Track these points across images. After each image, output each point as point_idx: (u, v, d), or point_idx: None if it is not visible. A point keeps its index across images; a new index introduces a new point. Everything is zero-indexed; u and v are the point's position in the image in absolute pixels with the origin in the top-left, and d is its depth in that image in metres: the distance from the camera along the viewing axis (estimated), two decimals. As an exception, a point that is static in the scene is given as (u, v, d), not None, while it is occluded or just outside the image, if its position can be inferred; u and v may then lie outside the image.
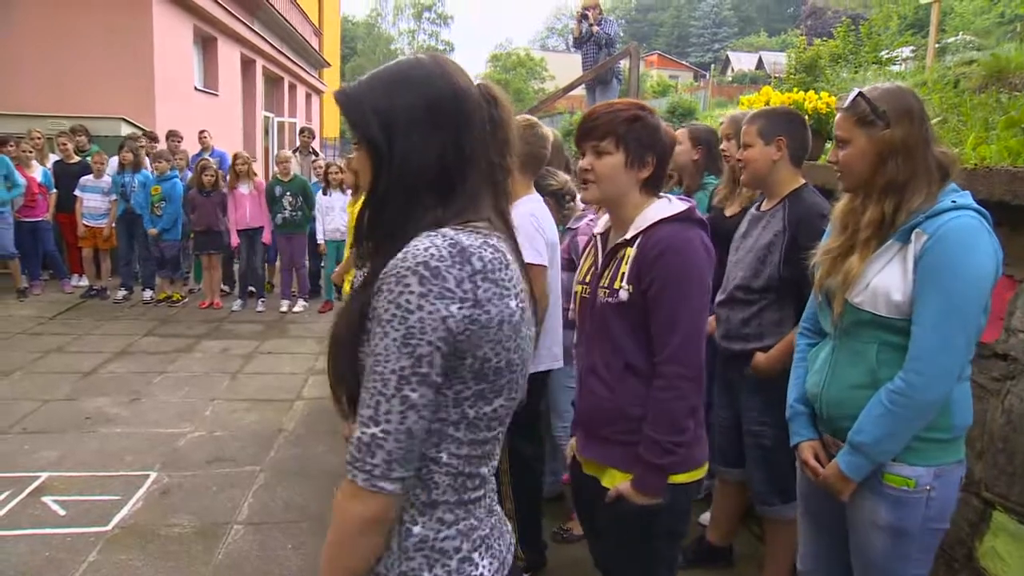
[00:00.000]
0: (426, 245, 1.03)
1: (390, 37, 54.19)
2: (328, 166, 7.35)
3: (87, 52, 9.88)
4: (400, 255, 1.03)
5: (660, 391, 1.69)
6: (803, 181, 2.34)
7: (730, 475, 2.70)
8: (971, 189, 1.75)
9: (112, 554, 3.15)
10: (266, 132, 17.11)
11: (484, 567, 1.12)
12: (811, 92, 3.38)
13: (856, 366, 1.73)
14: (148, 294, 7.96)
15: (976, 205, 1.62)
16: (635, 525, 1.76)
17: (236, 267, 8.40)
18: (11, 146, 7.89)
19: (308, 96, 22.63)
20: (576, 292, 1.88)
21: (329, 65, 24.87)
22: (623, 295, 1.69)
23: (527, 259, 1.29)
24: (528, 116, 2.84)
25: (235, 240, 7.61)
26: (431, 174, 1.10)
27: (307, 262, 7.96)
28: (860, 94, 1.69)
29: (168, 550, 3.19)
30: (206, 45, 12.98)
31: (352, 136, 1.17)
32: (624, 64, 8.38)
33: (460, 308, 1.02)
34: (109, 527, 3.37)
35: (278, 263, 8.36)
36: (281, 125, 18.10)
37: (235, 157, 7.53)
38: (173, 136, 8.97)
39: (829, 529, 1.89)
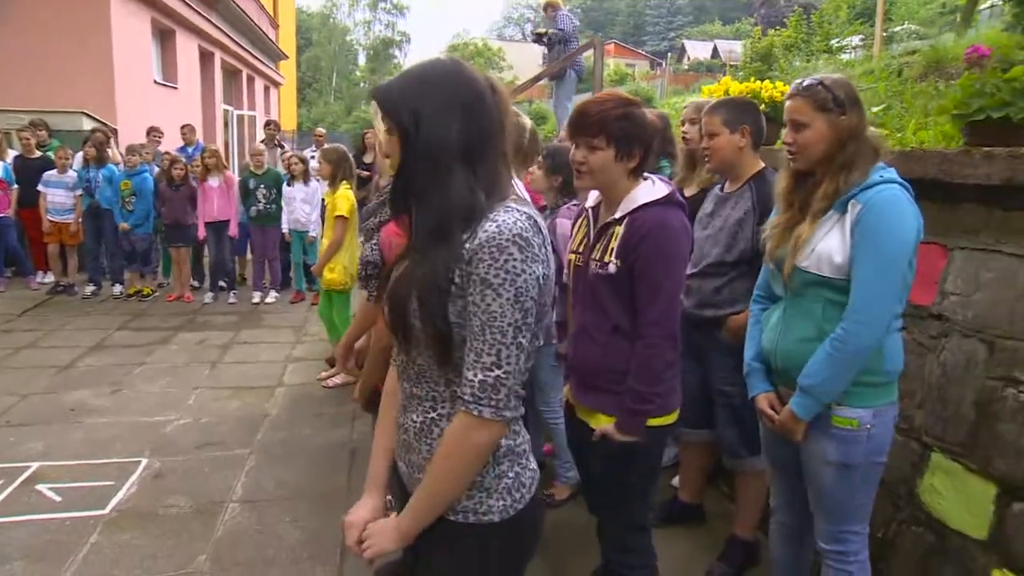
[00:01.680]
0: (514, 219, 1.26)
1: (346, 28, 53.53)
2: (289, 157, 7.40)
3: (45, 45, 9.70)
4: (494, 228, 1.25)
5: (643, 349, 1.93)
6: (763, 164, 2.58)
7: (696, 435, 2.93)
8: (909, 169, 2.00)
9: (113, 535, 3.25)
10: (225, 125, 16.92)
11: (533, 464, 1.44)
12: (767, 82, 3.62)
13: (805, 322, 1.98)
14: (118, 289, 7.95)
15: (900, 179, 1.87)
16: (618, 460, 2.02)
17: (205, 260, 8.41)
18: (-30, 142, 7.79)
19: (267, 88, 22.39)
20: (570, 260, 2.10)
21: (287, 57, 24.61)
22: (612, 268, 1.92)
23: None
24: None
25: (202, 233, 7.63)
26: (454, 150, 1.30)
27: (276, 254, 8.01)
28: (821, 82, 1.91)
29: (168, 529, 3.30)
30: (164, 38, 12.81)
31: (386, 124, 1.35)
32: (587, 56, 8.60)
33: (542, 267, 1.28)
34: (107, 510, 3.46)
35: (249, 255, 8.40)
36: (240, 118, 17.90)
37: (205, 150, 7.54)
38: (154, 132, 8.93)
39: (788, 471, 2.14)
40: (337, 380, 5.12)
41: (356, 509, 1.50)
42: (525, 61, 40.61)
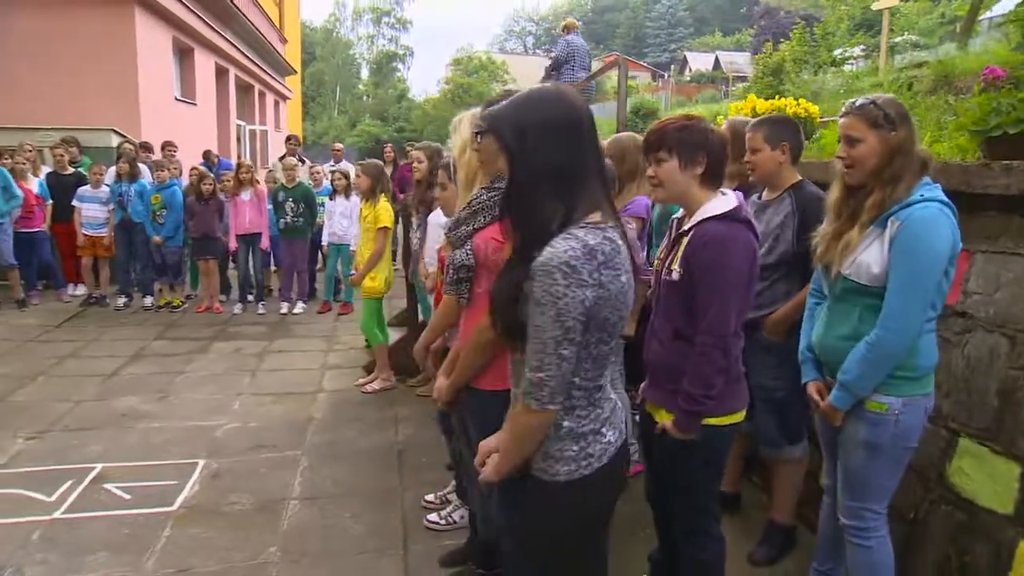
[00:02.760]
0: (565, 248, 1.49)
1: (349, 42, 54.03)
2: (332, 173, 7.66)
3: (74, 64, 10.01)
4: (548, 254, 1.49)
5: (696, 355, 2.13)
6: (800, 177, 2.81)
7: (738, 428, 3.15)
8: (933, 180, 2.21)
9: (184, 529, 3.46)
10: (238, 140, 17.22)
11: (609, 436, 1.69)
12: (791, 99, 3.86)
13: (844, 322, 2.22)
14: (148, 300, 8.17)
15: (942, 197, 2.09)
16: (677, 453, 2.23)
17: (232, 273, 8.65)
18: (6, 159, 8.04)
19: (276, 103, 22.72)
20: (655, 267, 2.33)
21: (295, 72, 24.96)
22: (675, 275, 2.14)
23: None
24: None
25: (233, 245, 7.88)
26: (550, 171, 1.55)
27: (305, 266, 8.24)
28: (873, 102, 2.13)
29: (235, 524, 3.51)
30: (183, 55, 13.12)
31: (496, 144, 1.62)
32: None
33: (591, 291, 1.50)
34: (175, 507, 3.68)
35: (272, 267, 8.65)
36: (252, 133, 18.22)
37: (239, 165, 7.80)
38: (169, 146, 9.20)
39: (834, 450, 2.37)
40: (376, 386, 5.34)
41: (492, 440, 1.79)
42: (528, 74, 41.07)
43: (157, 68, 11.35)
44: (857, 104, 2.16)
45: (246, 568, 3.12)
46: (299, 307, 8.07)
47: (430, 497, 3.61)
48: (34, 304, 8.13)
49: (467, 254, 2.10)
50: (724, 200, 2.14)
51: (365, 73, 55.22)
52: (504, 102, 1.63)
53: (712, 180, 2.17)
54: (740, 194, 2.18)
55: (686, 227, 2.17)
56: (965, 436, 2.48)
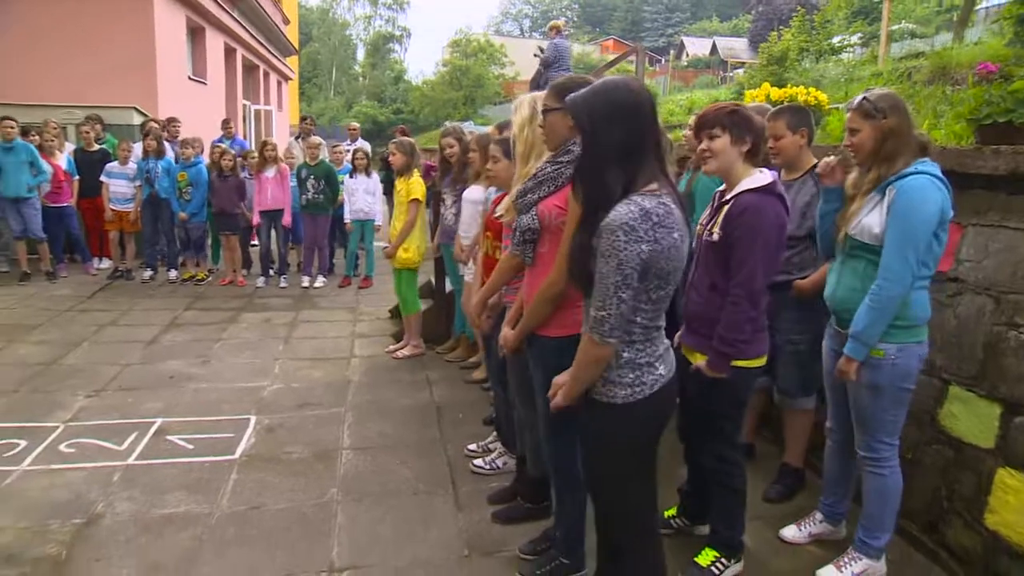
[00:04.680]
0: (625, 211, 1.87)
1: (345, 23, 53.86)
2: (355, 152, 7.97)
3: (94, 43, 10.24)
4: (612, 216, 1.87)
5: (729, 305, 2.52)
6: (815, 159, 3.18)
7: (758, 382, 3.52)
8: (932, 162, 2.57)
9: (249, 474, 3.82)
10: (244, 119, 17.42)
11: (661, 370, 2.08)
12: (800, 88, 4.21)
13: (853, 276, 2.61)
14: (173, 274, 8.48)
15: (935, 171, 2.46)
16: (709, 391, 2.62)
17: (252, 248, 8.97)
18: (34, 135, 8.30)
19: (279, 84, 22.87)
20: (697, 231, 2.69)
21: (297, 52, 25.06)
22: (715, 237, 2.53)
23: None
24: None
25: (256, 220, 8.19)
26: (616, 148, 1.92)
27: (326, 241, 8.57)
28: (865, 98, 2.51)
29: (295, 470, 3.87)
30: (195, 35, 13.32)
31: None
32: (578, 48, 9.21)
33: (647, 246, 1.87)
34: (236, 456, 4.03)
35: (290, 243, 8.96)
36: (257, 113, 18.40)
37: (264, 143, 8.08)
38: (172, 122, 9.44)
39: (839, 398, 2.79)
40: (406, 352, 5.70)
41: (562, 375, 2.17)
42: (525, 58, 41.10)
43: (172, 47, 11.58)
44: (854, 102, 2.56)
45: (313, 506, 3.48)
46: (320, 281, 8.40)
47: (472, 447, 3.99)
48: (63, 277, 8.43)
49: (533, 219, 2.45)
50: (761, 176, 2.51)
51: (361, 54, 55.10)
52: (582, 90, 1.98)
53: (753, 158, 2.55)
54: (775, 172, 2.56)
55: (727, 197, 2.54)
56: (955, 384, 2.87)
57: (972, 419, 2.77)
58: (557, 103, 2.37)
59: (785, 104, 3.47)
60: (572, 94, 1.99)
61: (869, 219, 2.51)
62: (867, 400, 2.60)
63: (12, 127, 7.79)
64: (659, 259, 1.89)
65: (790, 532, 3.05)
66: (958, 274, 2.93)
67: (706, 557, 2.78)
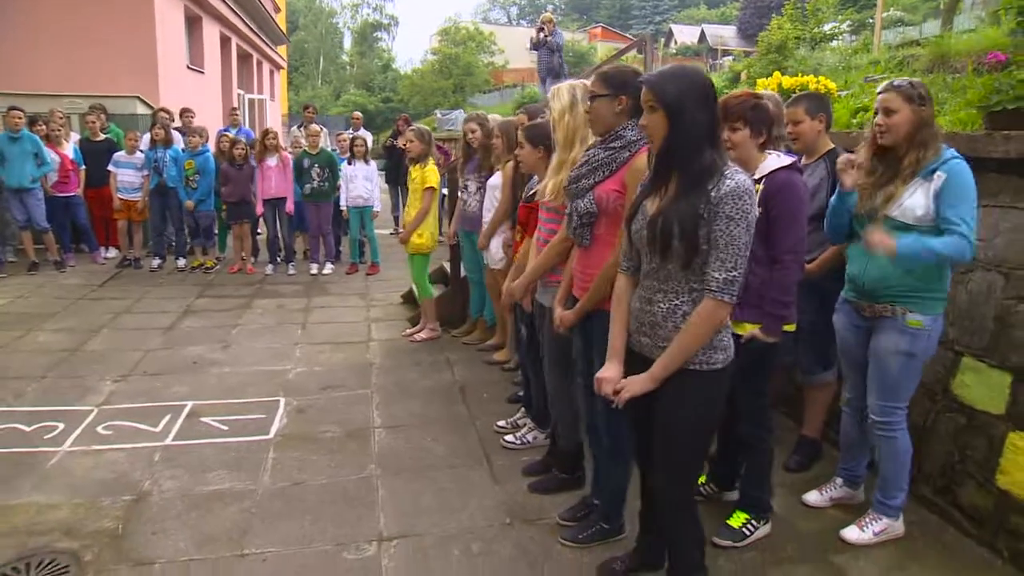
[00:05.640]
0: (744, 178, 2.03)
1: (332, 11, 53.49)
2: (354, 139, 8.07)
3: (96, 33, 10.25)
4: (734, 184, 2.00)
5: (779, 270, 2.71)
6: (831, 144, 3.35)
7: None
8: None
9: (286, 452, 3.94)
10: (235, 109, 17.38)
11: (731, 330, 2.21)
12: (810, 76, 4.38)
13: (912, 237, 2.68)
14: (182, 262, 8.56)
15: (961, 157, 2.64)
16: (762, 359, 2.80)
17: (260, 236, 9.06)
18: (40, 125, 8.33)
19: (271, 73, 22.80)
20: None
21: (288, 41, 24.96)
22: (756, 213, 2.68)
23: None
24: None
25: (260, 209, 8.28)
26: (703, 127, 2.06)
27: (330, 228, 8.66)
28: (910, 83, 2.68)
29: (331, 448, 4.00)
30: (192, 24, 13.29)
31: (649, 104, 2.10)
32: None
33: (757, 207, 2.03)
34: (271, 436, 4.15)
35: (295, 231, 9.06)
36: (251, 102, 18.37)
37: (265, 132, 8.16)
38: (186, 113, 9.48)
39: (858, 367, 2.98)
40: (423, 335, 5.85)
41: (606, 370, 2.27)
42: (513, 45, 41.07)
43: (171, 36, 11.58)
44: (895, 83, 2.71)
45: (353, 481, 3.62)
46: (328, 268, 8.52)
47: (501, 423, 4.15)
48: (71, 266, 8.49)
49: (590, 203, 2.59)
50: (782, 158, 2.74)
51: (349, 43, 54.76)
52: (654, 73, 2.13)
53: (767, 145, 2.78)
54: (792, 154, 2.76)
55: (757, 176, 2.72)
56: (967, 355, 3.06)
57: (983, 388, 2.96)
58: (605, 90, 2.51)
59: (802, 92, 3.64)
60: (648, 77, 2.13)
61: (912, 201, 2.66)
62: (900, 366, 2.77)
63: (20, 117, 7.82)
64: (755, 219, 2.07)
65: (813, 497, 3.24)
66: (970, 253, 3.12)
67: (737, 519, 2.96)
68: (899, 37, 9.77)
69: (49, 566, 2.88)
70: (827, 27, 14.57)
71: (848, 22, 19.33)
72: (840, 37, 15.81)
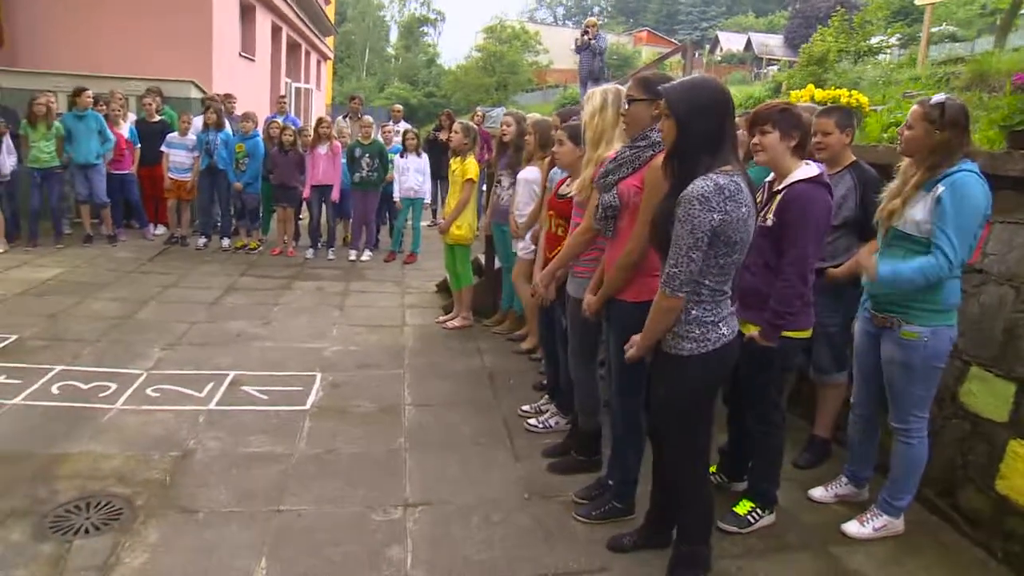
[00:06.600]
0: (702, 185, 2.21)
1: (380, 4, 54.13)
2: (405, 132, 8.34)
3: (154, 17, 10.69)
4: (690, 188, 2.20)
5: (781, 281, 2.84)
6: (854, 156, 3.48)
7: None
8: (966, 165, 2.87)
9: (321, 423, 4.19)
10: (283, 97, 17.83)
11: (724, 330, 2.42)
12: (843, 90, 4.49)
13: (892, 263, 2.86)
14: (226, 242, 8.91)
15: (975, 170, 2.74)
16: (759, 358, 2.94)
17: (301, 221, 9.38)
18: (102, 105, 8.74)
19: (319, 63, 23.28)
20: None
21: (336, 32, 25.44)
22: (769, 222, 2.84)
23: None
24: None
25: (307, 193, 8.58)
26: (704, 135, 2.26)
27: (374, 217, 8.94)
28: (942, 104, 2.75)
29: (364, 421, 4.25)
30: (246, 13, 13.72)
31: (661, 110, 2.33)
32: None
33: (717, 216, 2.20)
34: (307, 407, 4.41)
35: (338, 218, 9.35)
36: (298, 91, 18.80)
37: (319, 121, 8.47)
38: (229, 98, 9.86)
39: (867, 374, 3.11)
40: (456, 323, 6.07)
41: (636, 336, 2.51)
42: (558, 46, 41.24)
43: (226, 25, 11.99)
44: (930, 100, 2.80)
45: (383, 452, 3.85)
46: (366, 255, 8.79)
47: (525, 407, 4.35)
48: (122, 240, 8.88)
49: (614, 197, 2.78)
50: (810, 168, 2.83)
51: (395, 36, 55.37)
52: (674, 83, 2.32)
53: (800, 151, 2.87)
54: (823, 165, 2.87)
55: (779, 187, 2.86)
56: (975, 365, 3.18)
57: (989, 396, 3.08)
58: (642, 94, 2.70)
59: (832, 105, 3.77)
60: (666, 87, 2.33)
61: (913, 212, 2.79)
62: (899, 378, 2.91)
63: (90, 97, 8.23)
64: (728, 229, 2.23)
65: (818, 492, 3.39)
66: (983, 266, 3.23)
67: (743, 507, 3.12)
68: (944, 53, 9.71)
69: (105, 507, 3.17)
70: (874, 40, 14.45)
71: (897, 35, 19.06)
72: (888, 51, 15.65)
